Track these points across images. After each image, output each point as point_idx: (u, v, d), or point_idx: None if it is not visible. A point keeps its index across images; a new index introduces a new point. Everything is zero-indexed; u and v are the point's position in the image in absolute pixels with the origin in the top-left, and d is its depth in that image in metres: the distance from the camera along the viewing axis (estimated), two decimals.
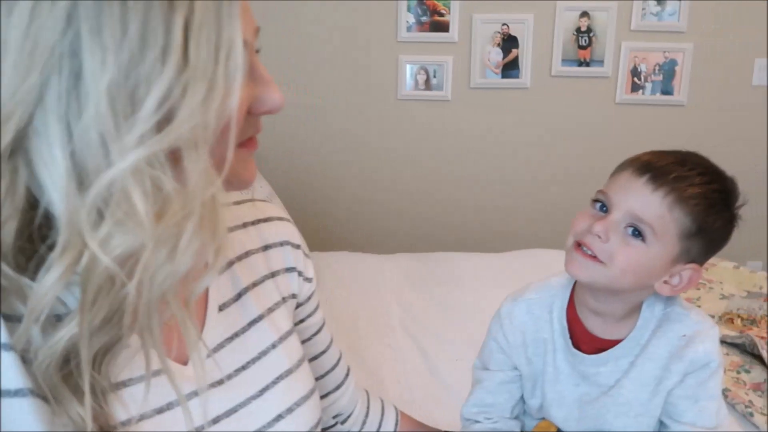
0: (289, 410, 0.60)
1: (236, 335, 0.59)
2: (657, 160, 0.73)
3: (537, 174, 2.71)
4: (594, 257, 0.71)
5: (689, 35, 2.59)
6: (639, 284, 0.74)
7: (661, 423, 0.80)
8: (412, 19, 2.59)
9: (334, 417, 0.83)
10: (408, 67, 2.62)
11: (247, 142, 0.52)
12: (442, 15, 2.60)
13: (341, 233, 2.73)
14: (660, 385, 0.77)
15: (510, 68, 2.64)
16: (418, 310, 1.51)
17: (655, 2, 2.58)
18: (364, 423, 0.86)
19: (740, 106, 2.63)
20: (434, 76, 2.64)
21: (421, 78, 2.64)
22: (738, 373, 1.20)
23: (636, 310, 0.79)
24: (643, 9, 2.58)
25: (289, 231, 0.71)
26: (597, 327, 0.80)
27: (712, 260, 1.83)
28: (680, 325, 0.77)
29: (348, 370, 0.83)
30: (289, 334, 0.64)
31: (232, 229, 0.65)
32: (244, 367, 0.58)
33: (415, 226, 2.74)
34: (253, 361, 0.59)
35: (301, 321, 0.73)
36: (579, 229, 0.74)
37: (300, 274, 0.70)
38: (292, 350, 0.64)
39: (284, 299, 0.67)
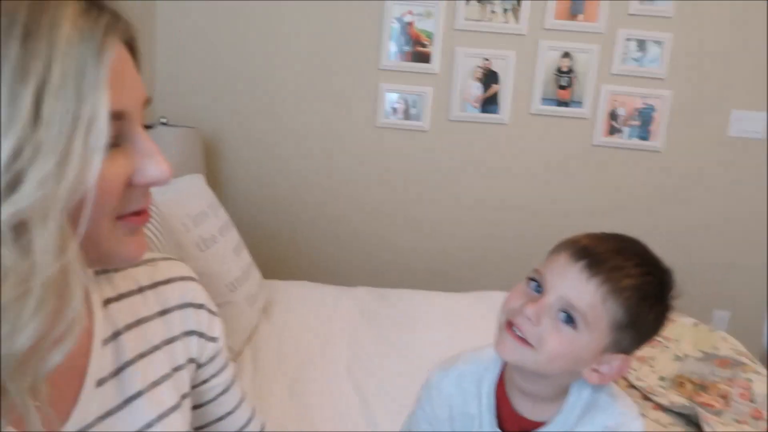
0: None
1: (110, 414, 0.56)
2: (595, 245, 0.71)
3: (511, 212, 2.70)
4: (524, 340, 0.69)
5: (668, 82, 2.60)
6: (567, 370, 0.72)
7: None
8: (394, 48, 2.59)
9: None
10: (387, 95, 2.61)
11: (131, 215, 0.50)
12: (424, 45, 2.60)
13: (309, 261, 2.69)
14: None
15: (490, 103, 2.63)
16: (368, 354, 1.48)
17: (637, 47, 2.59)
18: None
19: (715, 156, 2.65)
20: (413, 106, 2.63)
21: (400, 107, 2.63)
22: None
23: (564, 392, 0.77)
24: (625, 53, 2.59)
25: (191, 291, 0.68)
26: (524, 407, 0.79)
27: (672, 316, 1.82)
28: (604, 415, 0.75)
29: (262, 427, 0.80)
30: (173, 409, 0.61)
31: (125, 295, 0.62)
32: None
33: (383, 257, 2.71)
34: None
35: (204, 382, 0.71)
36: (512, 307, 0.72)
37: (201, 335, 0.68)
38: (172, 428, 0.60)
39: (177, 369, 0.64)
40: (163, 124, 2.27)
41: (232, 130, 2.59)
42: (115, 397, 0.57)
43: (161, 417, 0.59)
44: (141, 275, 0.64)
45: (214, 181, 2.55)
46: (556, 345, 0.68)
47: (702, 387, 1.39)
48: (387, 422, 1.19)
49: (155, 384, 0.60)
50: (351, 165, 2.65)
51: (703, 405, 1.30)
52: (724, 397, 1.34)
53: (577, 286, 0.68)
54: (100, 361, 0.56)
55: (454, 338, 1.48)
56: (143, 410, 0.58)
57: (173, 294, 0.66)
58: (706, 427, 1.17)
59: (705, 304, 2.68)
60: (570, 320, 0.68)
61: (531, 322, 0.69)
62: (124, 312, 0.61)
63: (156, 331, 0.62)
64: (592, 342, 0.69)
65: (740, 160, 2.65)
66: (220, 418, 0.75)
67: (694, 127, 2.63)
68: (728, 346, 1.58)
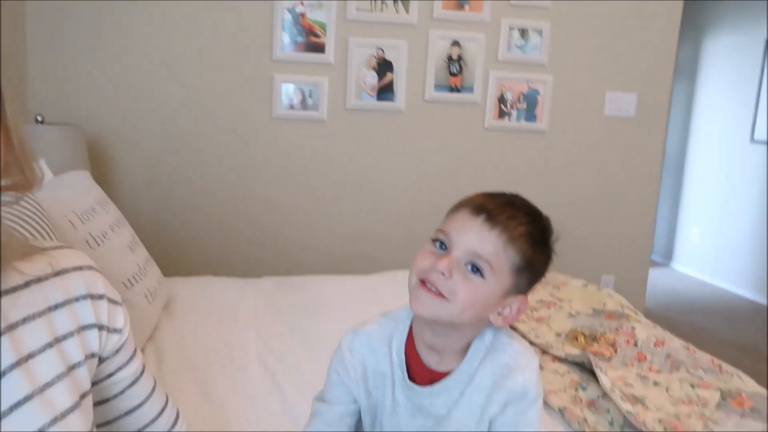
0: None
1: None
2: (489, 201, 0.77)
3: (410, 194, 2.77)
4: (439, 294, 0.73)
5: (549, 68, 2.78)
6: (477, 318, 0.77)
7: None
8: (287, 39, 2.57)
9: None
10: (283, 86, 2.59)
11: None
12: (317, 36, 2.60)
13: (211, 257, 2.61)
14: (484, 414, 0.79)
15: (385, 91, 2.68)
16: (278, 341, 1.45)
17: (520, 36, 2.75)
18: None
19: (594, 133, 2.86)
20: (310, 97, 2.62)
21: (297, 98, 2.61)
22: (576, 390, 1.27)
23: (468, 345, 0.81)
24: (509, 42, 2.74)
25: (88, 281, 0.63)
26: (432, 360, 0.82)
27: (562, 279, 1.95)
28: (503, 355, 0.80)
29: (175, 420, 0.77)
30: (70, 411, 0.57)
31: (8, 292, 0.56)
32: None
33: (286, 249, 2.69)
34: None
35: (110, 375, 0.67)
36: (422, 267, 0.75)
37: (101, 328, 0.63)
38: (70, 430, 0.56)
39: (73, 367, 0.59)
40: (39, 122, 2.11)
41: (119, 127, 2.46)
42: None
43: (56, 420, 0.55)
44: (29, 268, 0.59)
45: (103, 180, 2.40)
46: (467, 294, 0.73)
47: (593, 338, 1.50)
48: (302, 407, 1.17)
49: (47, 386, 0.55)
50: (249, 158, 2.60)
51: (595, 354, 1.40)
52: (613, 345, 1.46)
53: (480, 238, 0.74)
54: None
55: (362, 318, 1.49)
56: (33, 416, 0.53)
57: (67, 286, 0.61)
58: (597, 371, 1.26)
59: (593, 270, 2.89)
60: (476, 270, 0.74)
61: (444, 276, 0.73)
62: (7, 310, 0.55)
63: (46, 329, 0.57)
64: (497, 287, 0.75)
65: (616, 137, 2.89)
66: (130, 412, 0.71)
67: (574, 109, 2.83)
68: (614, 301, 1.72)
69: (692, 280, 4.51)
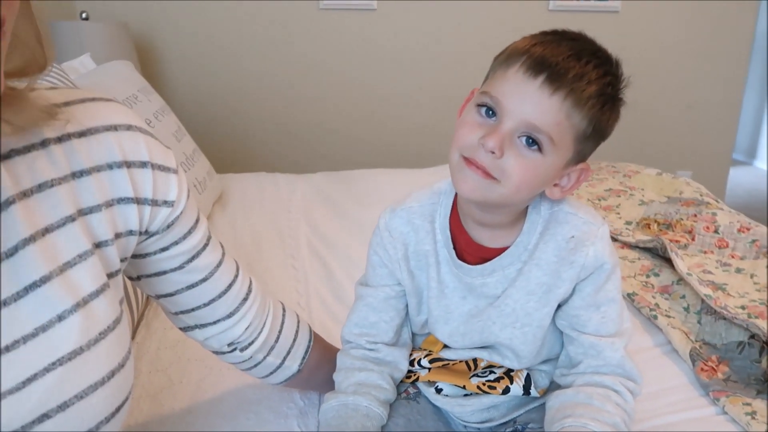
0: (63, 406, 0.46)
1: (5, 304, 0.44)
2: (551, 53, 0.61)
3: (469, 85, 2.59)
4: (487, 174, 0.62)
5: None
6: (532, 195, 0.67)
7: (565, 336, 0.74)
8: None
9: (229, 345, 0.73)
10: None
11: None
12: None
13: (261, 153, 2.58)
14: (549, 294, 0.70)
15: None
16: (329, 230, 1.42)
17: None
18: (270, 350, 0.76)
19: (674, 14, 2.55)
20: None
21: None
22: (647, 277, 1.17)
23: (523, 215, 0.71)
24: None
25: (125, 145, 0.53)
26: (482, 236, 0.72)
27: (634, 167, 1.79)
28: (568, 227, 0.70)
29: (247, 295, 0.71)
30: (94, 295, 0.49)
31: (21, 152, 0.47)
32: (8, 348, 0.44)
33: (338, 144, 2.62)
34: (25, 339, 0.45)
35: (164, 249, 0.60)
36: (466, 142, 0.63)
37: (143, 201, 0.55)
38: (92, 320, 0.48)
39: (100, 245, 0.51)
40: (84, 19, 2.06)
41: (165, 23, 2.39)
42: (10, 283, 0.45)
43: (78, 306, 0.48)
44: (49, 126, 0.49)
45: (149, 77, 2.37)
46: (521, 174, 0.61)
47: (667, 225, 1.37)
48: (351, 289, 1.14)
49: (69, 265, 0.48)
50: (296, 50, 2.48)
51: (670, 241, 1.29)
52: (690, 232, 1.33)
53: (540, 106, 0.59)
54: None
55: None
56: (52, 299, 0.46)
57: (95, 149, 0.51)
58: (673, 255, 1.15)
59: (667, 164, 2.68)
60: (533, 143, 0.61)
61: (494, 155, 0.61)
62: (19, 174, 0.47)
63: (67, 199, 0.49)
64: (557, 161, 0.63)
65: (699, 18, 2.56)
66: (192, 286, 0.65)
67: None
68: (692, 189, 1.57)
69: None
